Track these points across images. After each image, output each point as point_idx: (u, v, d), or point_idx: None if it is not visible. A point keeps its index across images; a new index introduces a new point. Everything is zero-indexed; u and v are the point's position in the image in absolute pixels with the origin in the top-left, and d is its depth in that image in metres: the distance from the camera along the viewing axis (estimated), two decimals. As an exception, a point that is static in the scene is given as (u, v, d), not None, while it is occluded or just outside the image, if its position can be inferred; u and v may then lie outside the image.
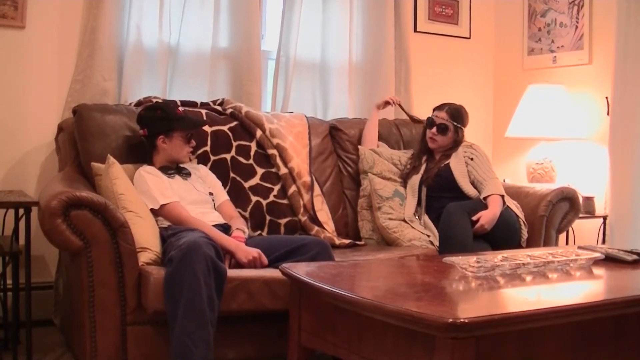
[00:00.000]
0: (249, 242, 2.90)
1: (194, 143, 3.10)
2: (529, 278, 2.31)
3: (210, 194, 3.11)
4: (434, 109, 3.65)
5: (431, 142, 3.61)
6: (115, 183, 2.79)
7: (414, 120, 3.93)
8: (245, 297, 2.62)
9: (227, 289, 2.57)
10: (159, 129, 3.01)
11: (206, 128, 3.33)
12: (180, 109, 3.16)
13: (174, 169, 3.03)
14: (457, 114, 3.59)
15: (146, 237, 2.69)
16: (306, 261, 2.70)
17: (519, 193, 3.63)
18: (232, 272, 2.62)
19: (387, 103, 3.83)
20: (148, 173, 2.93)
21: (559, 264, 2.45)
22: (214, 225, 2.88)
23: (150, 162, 3.03)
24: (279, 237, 3.27)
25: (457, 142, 3.59)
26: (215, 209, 3.08)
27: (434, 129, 3.59)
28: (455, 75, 4.70)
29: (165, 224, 2.85)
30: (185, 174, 3.05)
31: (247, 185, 3.39)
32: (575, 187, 3.72)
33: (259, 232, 3.35)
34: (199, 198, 3.02)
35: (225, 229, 2.94)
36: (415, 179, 3.59)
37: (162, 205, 2.85)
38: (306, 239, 2.97)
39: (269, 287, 2.64)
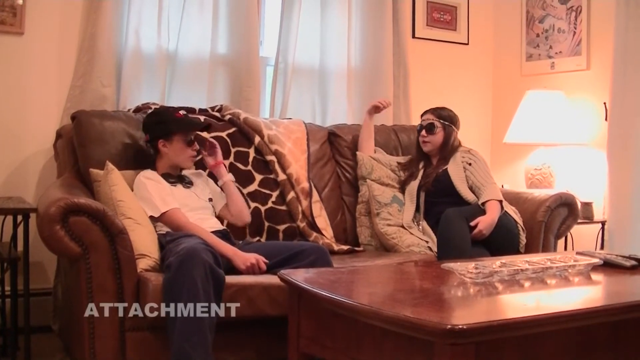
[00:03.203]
0: (248, 248, 2.90)
1: (197, 146, 3.08)
2: (527, 284, 2.31)
3: (210, 200, 3.10)
4: (421, 115, 3.69)
5: (424, 145, 3.63)
6: (114, 189, 2.79)
7: None
8: (244, 303, 2.62)
9: (226, 295, 2.57)
10: (158, 133, 3.00)
11: (204, 134, 3.33)
12: (181, 112, 3.15)
13: (175, 177, 3.02)
14: (443, 112, 3.63)
15: (145, 243, 2.69)
16: (305, 267, 2.70)
17: (517, 198, 3.63)
18: (230, 278, 2.62)
19: (377, 107, 3.76)
20: (148, 179, 2.92)
21: (558, 269, 2.45)
22: (213, 232, 2.87)
23: (154, 168, 3.02)
24: (277, 243, 3.26)
25: (447, 139, 3.58)
26: (215, 215, 3.08)
27: (423, 131, 3.60)
28: (453, 81, 4.71)
29: (164, 230, 2.85)
30: (187, 183, 3.04)
31: (245, 191, 3.38)
32: (574, 192, 3.72)
33: (257, 238, 3.35)
34: (199, 205, 3.02)
35: (224, 235, 2.94)
36: (414, 185, 3.59)
37: (163, 213, 2.84)
38: (305, 245, 2.97)
39: (268, 293, 2.64)
